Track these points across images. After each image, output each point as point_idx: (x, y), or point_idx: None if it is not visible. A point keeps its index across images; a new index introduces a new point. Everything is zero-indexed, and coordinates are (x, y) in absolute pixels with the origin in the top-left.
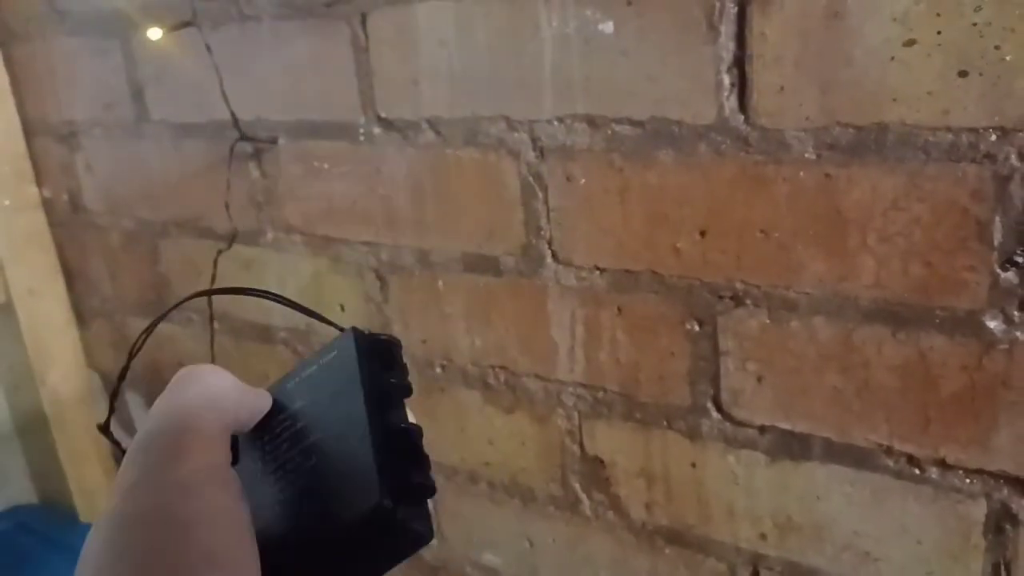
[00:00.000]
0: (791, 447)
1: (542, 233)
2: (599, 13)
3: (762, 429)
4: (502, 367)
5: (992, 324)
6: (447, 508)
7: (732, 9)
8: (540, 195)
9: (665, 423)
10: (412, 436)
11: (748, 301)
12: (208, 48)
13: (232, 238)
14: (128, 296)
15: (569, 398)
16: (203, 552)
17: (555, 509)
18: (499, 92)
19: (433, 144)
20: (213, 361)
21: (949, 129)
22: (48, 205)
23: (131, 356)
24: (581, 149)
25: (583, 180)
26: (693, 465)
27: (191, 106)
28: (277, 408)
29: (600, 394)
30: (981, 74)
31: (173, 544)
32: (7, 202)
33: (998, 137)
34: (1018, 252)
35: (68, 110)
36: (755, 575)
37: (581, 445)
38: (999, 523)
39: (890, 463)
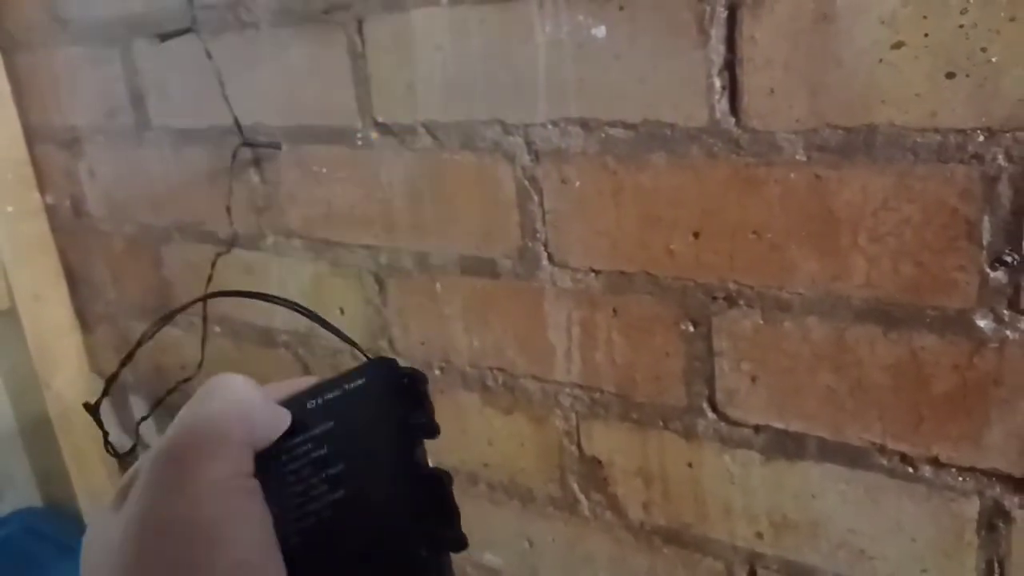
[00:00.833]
0: (786, 446)
1: (538, 235)
2: (591, 18)
3: (757, 428)
4: (500, 368)
5: (982, 323)
6: None
7: (722, 13)
8: (535, 198)
9: (661, 423)
10: (444, 484)
11: (742, 302)
12: (208, 55)
13: (232, 242)
14: (131, 301)
15: (566, 399)
16: (234, 561)
17: (554, 509)
18: (494, 96)
19: (429, 148)
20: (203, 364)
21: (937, 130)
22: (51, 211)
23: (126, 359)
24: (575, 152)
25: (577, 182)
26: (689, 465)
27: (192, 112)
28: (297, 427)
29: (597, 395)
30: (968, 76)
31: (203, 553)
32: (10, 208)
33: (985, 138)
34: (1007, 251)
35: (70, 117)
36: (752, 574)
37: (579, 445)
38: (992, 520)
39: (884, 461)
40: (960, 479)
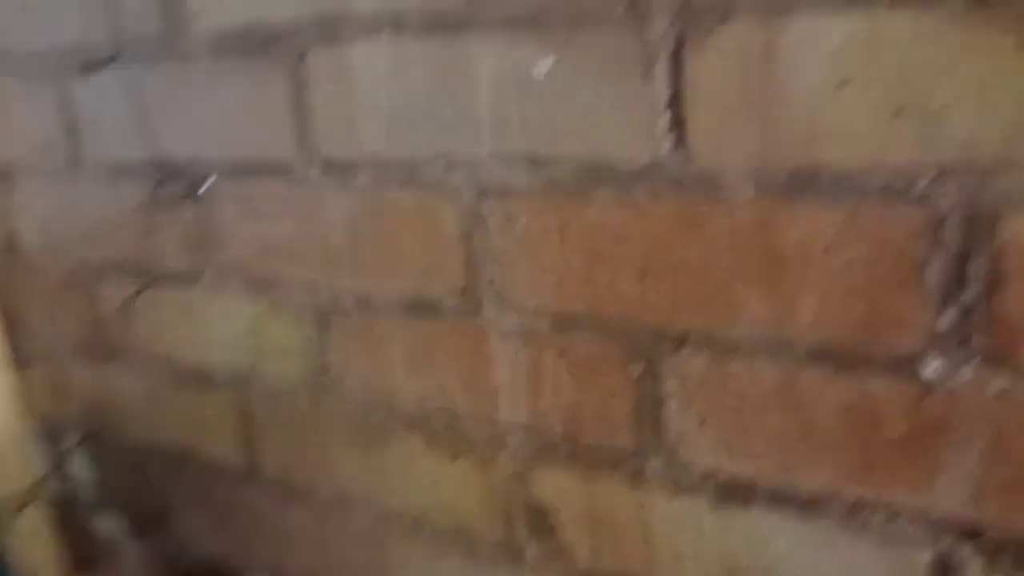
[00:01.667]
0: (737, 491)
1: (482, 273)
2: (535, 53)
3: (707, 472)
4: (445, 409)
5: (932, 365)
6: (394, 558)
7: (667, 50)
8: (479, 235)
9: (609, 466)
10: None
11: (689, 342)
12: (140, 88)
13: (155, 280)
14: (67, 339)
15: (513, 440)
16: None
17: (500, 553)
18: (437, 131)
19: (371, 184)
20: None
21: (883, 170)
22: None
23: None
24: (519, 189)
25: (523, 219)
26: (638, 509)
27: (125, 145)
28: None
29: (544, 437)
30: (915, 114)
31: None
32: None
33: (932, 178)
34: (955, 293)
35: (3, 150)
36: None
37: (526, 488)
38: (945, 565)
39: (835, 508)
40: (912, 527)
